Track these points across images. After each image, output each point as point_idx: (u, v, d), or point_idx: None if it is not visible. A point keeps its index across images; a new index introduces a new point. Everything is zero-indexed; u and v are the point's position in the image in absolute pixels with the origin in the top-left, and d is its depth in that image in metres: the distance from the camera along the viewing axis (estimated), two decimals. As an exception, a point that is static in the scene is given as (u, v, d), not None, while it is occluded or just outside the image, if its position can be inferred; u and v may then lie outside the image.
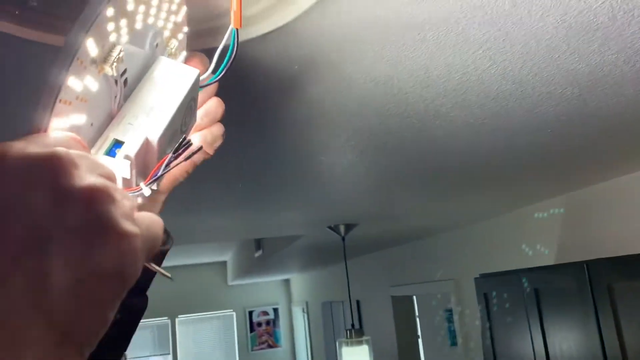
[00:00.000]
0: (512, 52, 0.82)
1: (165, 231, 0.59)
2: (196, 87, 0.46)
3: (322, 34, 0.71)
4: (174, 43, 0.51)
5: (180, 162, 0.40)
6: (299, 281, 7.45)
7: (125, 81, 0.41)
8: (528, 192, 2.25)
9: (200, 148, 0.44)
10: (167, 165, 0.39)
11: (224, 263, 7.60)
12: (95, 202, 0.24)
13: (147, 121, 0.40)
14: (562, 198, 2.31)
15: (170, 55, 0.51)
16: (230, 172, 1.50)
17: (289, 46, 0.74)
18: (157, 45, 0.46)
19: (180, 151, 0.40)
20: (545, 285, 1.91)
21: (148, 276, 0.55)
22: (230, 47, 0.54)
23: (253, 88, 0.88)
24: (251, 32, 0.68)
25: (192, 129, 0.52)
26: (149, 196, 0.53)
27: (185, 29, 0.54)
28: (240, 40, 0.65)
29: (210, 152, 0.55)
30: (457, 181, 1.83)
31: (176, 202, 1.74)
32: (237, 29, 0.54)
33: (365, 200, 2.02)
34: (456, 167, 1.61)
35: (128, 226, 0.25)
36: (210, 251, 6.00)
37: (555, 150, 1.48)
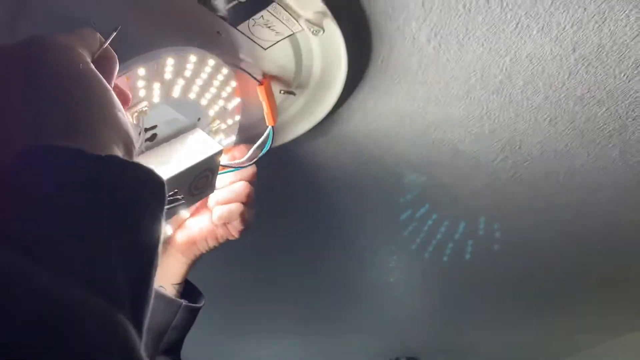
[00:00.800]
0: (532, 160, 0.87)
1: (198, 291, 0.66)
2: (214, 161, 0.55)
3: (354, 132, 0.80)
4: (219, 123, 0.62)
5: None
6: None
7: (154, 136, 0.50)
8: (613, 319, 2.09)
9: (181, 204, 0.51)
10: None
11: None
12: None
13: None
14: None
15: (211, 132, 0.61)
16: (282, 294, 1.54)
17: (335, 149, 0.83)
18: (199, 119, 0.57)
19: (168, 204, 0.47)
20: None
21: (177, 336, 0.61)
22: (269, 141, 0.64)
23: (305, 197, 0.97)
24: (291, 133, 0.75)
25: (215, 202, 0.60)
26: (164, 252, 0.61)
27: (237, 117, 0.65)
28: (293, 140, 0.74)
29: (234, 233, 0.62)
30: (524, 307, 1.75)
31: (223, 324, 1.78)
32: (272, 127, 0.65)
33: (427, 324, 1.96)
34: (522, 291, 1.56)
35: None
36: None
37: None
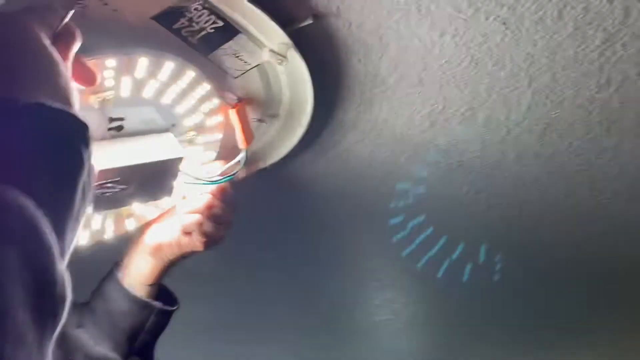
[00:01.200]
0: (506, 194, 0.89)
1: (172, 296, 0.67)
2: (173, 166, 0.57)
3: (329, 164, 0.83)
4: (194, 135, 0.64)
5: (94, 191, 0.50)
6: None
7: (120, 127, 0.53)
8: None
9: (121, 192, 0.54)
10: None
11: None
12: None
13: (105, 157, 0.51)
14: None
15: (185, 141, 0.63)
16: (276, 332, 1.54)
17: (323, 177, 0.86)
18: (173, 125, 0.60)
19: (105, 184, 0.50)
20: None
21: (151, 337, 0.63)
22: (242, 163, 0.67)
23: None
24: (270, 158, 0.78)
25: (181, 211, 0.63)
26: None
27: (219, 135, 0.68)
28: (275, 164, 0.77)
29: (198, 244, 0.64)
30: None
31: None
32: (245, 149, 0.68)
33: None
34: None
35: None
36: None
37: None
